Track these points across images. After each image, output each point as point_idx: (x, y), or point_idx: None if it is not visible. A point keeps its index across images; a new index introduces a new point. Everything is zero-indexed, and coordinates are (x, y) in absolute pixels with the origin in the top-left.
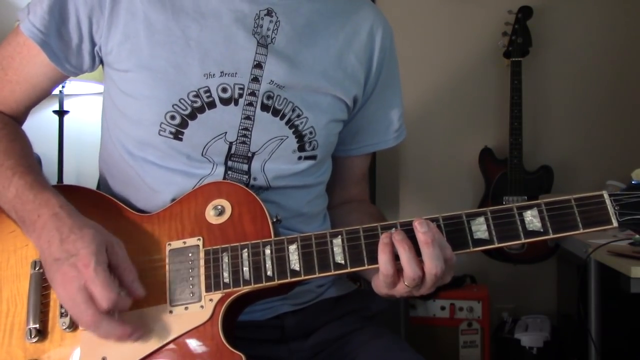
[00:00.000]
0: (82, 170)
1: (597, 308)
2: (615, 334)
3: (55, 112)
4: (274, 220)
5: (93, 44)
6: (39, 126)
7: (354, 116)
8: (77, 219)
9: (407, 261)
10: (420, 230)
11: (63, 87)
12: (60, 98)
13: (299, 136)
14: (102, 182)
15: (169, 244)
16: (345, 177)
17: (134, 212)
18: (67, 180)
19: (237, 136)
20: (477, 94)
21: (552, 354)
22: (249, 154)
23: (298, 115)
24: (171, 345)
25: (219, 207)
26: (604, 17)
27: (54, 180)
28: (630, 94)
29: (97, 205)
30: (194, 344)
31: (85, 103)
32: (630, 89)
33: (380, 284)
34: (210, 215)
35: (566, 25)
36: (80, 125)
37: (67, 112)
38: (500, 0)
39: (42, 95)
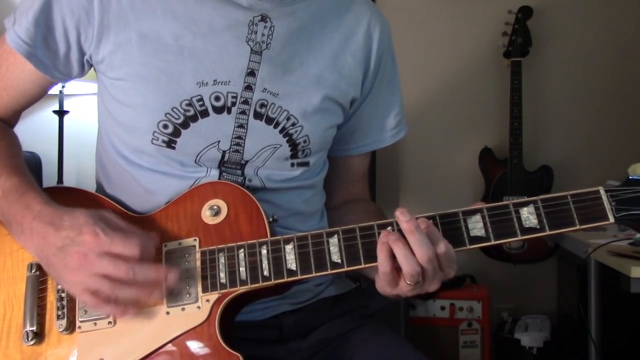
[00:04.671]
0: (82, 170)
1: (597, 308)
2: (615, 334)
3: (55, 112)
4: (270, 220)
5: (82, 53)
6: (39, 126)
7: (351, 116)
8: (64, 208)
9: (404, 257)
10: (403, 220)
11: (63, 87)
12: (60, 98)
13: (293, 145)
14: (98, 183)
15: (165, 245)
16: (344, 177)
17: (129, 213)
18: (67, 180)
19: (231, 145)
20: (477, 94)
21: (552, 354)
22: (242, 162)
23: (293, 124)
24: (168, 347)
25: (215, 207)
26: (604, 17)
27: (53, 181)
28: (630, 93)
29: (92, 206)
30: (191, 344)
31: (85, 103)
32: (630, 88)
33: (382, 284)
34: (206, 215)
35: (566, 25)
36: (80, 125)
37: (67, 112)
38: (500, 0)
39: (31, 100)
